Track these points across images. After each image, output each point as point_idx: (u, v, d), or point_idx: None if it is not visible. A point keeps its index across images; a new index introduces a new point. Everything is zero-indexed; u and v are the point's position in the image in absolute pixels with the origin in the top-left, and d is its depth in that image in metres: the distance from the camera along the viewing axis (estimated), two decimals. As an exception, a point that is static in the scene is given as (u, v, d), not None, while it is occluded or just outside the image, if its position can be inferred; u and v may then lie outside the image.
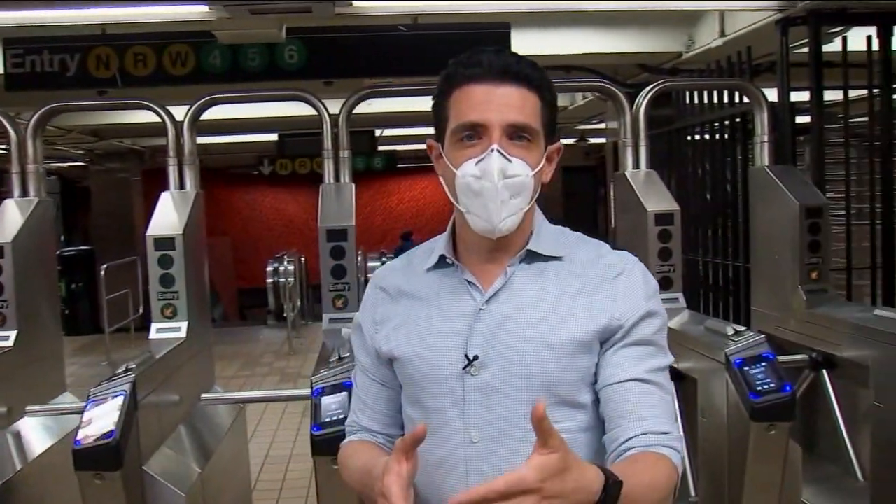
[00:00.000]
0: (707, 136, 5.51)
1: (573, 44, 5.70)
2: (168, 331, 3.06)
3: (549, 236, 1.40)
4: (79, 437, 2.24)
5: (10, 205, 3.23)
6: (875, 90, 4.33)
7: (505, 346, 1.31)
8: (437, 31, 4.91)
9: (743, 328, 2.69)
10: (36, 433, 2.99)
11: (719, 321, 2.98)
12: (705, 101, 5.42)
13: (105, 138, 11.08)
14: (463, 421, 1.31)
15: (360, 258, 3.57)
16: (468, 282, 1.37)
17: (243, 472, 3.76)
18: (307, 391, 2.48)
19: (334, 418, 2.28)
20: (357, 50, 4.99)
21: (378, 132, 11.43)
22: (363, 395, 1.48)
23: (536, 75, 1.31)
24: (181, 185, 3.34)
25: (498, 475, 1.28)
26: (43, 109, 3.33)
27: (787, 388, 2.43)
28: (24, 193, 3.27)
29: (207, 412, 3.30)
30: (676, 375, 1.33)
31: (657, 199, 3.35)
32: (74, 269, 11.77)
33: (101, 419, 2.27)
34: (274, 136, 11.02)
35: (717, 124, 5.33)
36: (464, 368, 1.31)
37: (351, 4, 3.96)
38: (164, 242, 3.09)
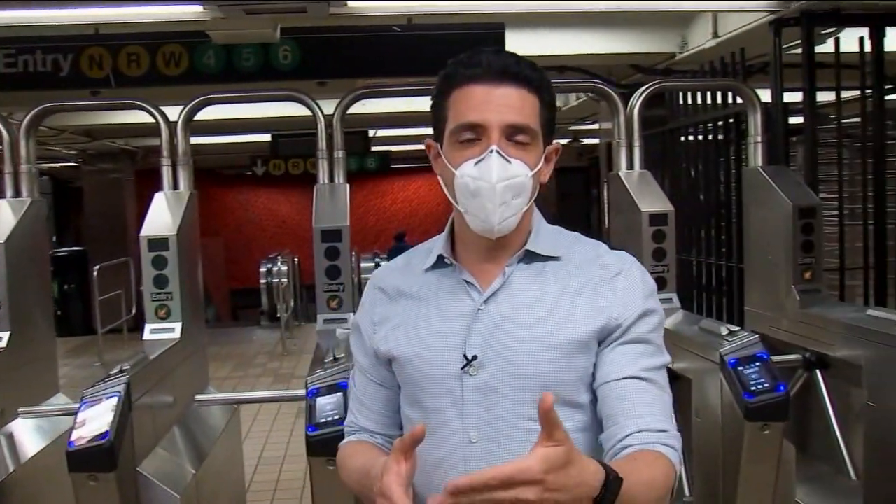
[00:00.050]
0: (700, 137, 5.52)
1: (567, 44, 5.71)
2: (162, 331, 3.05)
3: (548, 236, 1.40)
4: (72, 439, 2.23)
5: (3, 205, 3.21)
6: (867, 91, 4.35)
7: (503, 346, 1.31)
8: (431, 32, 4.92)
9: (737, 328, 2.69)
10: (29, 434, 2.97)
11: (713, 321, 2.99)
12: (699, 101, 5.44)
13: (98, 139, 11.05)
14: (461, 421, 1.31)
15: (353, 259, 3.56)
16: (466, 282, 1.37)
17: (237, 474, 3.75)
18: (302, 392, 2.48)
19: (329, 419, 2.27)
20: (351, 50, 5.00)
21: (371, 132, 11.42)
22: (362, 395, 1.48)
23: (535, 76, 1.32)
24: (175, 186, 3.33)
25: None
26: (36, 109, 3.31)
27: (782, 387, 2.44)
28: (17, 194, 3.26)
29: (201, 413, 3.29)
30: (671, 375, 1.34)
31: (651, 199, 3.35)
32: (67, 269, 11.74)
33: (96, 420, 2.26)
34: (267, 137, 11.00)
35: (710, 125, 5.35)
36: (462, 368, 1.31)
37: (346, 4, 3.96)
38: (158, 243, 3.07)
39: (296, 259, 11.70)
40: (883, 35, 4.25)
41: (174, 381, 2.95)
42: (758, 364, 2.48)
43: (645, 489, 1.14)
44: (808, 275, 3.43)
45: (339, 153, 3.35)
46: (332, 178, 3.35)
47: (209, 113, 3.62)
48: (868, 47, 4.28)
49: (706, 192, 5.51)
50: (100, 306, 9.00)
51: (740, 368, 2.49)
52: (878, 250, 4.39)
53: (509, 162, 1.29)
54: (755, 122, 3.59)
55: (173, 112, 3.36)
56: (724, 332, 2.65)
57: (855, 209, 4.61)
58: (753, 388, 2.43)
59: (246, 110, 8.32)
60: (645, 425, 1.25)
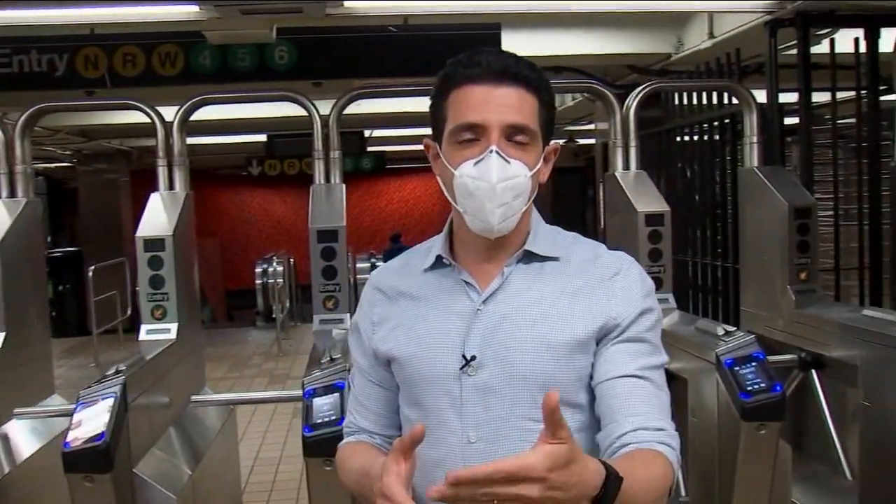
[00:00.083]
0: (696, 137, 5.53)
1: (563, 44, 5.72)
2: (158, 332, 3.05)
3: (546, 236, 1.40)
4: (68, 440, 2.23)
5: (-1, 205, 3.21)
6: (862, 91, 4.36)
7: (502, 346, 1.31)
8: (427, 32, 4.92)
9: (733, 328, 2.70)
10: (24, 436, 2.97)
11: (710, 321, 3.00)
12: (694, 102, 5.44)
13: (93, 139, 11.02)
14: (460, 421, 1.31)
15: (349, 259, 3.56)
16: (465, 282, 1.37)
17: (234, 474, 3.75)
18: (298, 392, 2.47)
19: (326, 419, 2.28)
20: (347, 50, 5.00)
21: (367, 133, 11.42)
22: (360, 396, 1.48)
23: (535, 76, 1.32)
24: (171, 186, 3.33)
25: None
26: (31, 110, 3.30)
27: (778, 387, 2.44)
28: (12, 194, 3.25)
29: (197, 414, 3.28)
30: (667, 376, 1.34)
31: (647, 199, 3.36)
32: (62, 270, 11.71)
33: (91, 421, 2.26)
34: (262, 137, 10.99)
35: (706, 125, 5.35)
36: (461, 369, 1.31)
37: (342, 5, 3.95)
38: (153, 244, 3.07)
39: (291, 259, 11.70)
40: (877, 36, 4.26)
41: (170, 382, 2.95)
42: (754, 364, 2.49)
43: (644, 488, 1.14)
44: (803, 275, 3.44)
45: (336, 153, 3.35)
46: (328, 179, 3.35)
47: (204, 113, 3.62)
48: (863, 48, 4.29)
49: (702, 192, 5.52)
50: (95, 307, 8.99)
51: (736, 368, 2.49)
52: (873, 250, 4.40)
53: (508, 162, 1.29)
54: (751, 123, 3.60)
55: (169, 112, 3.36)
56: (721, 332, 2.65)
57: (850, 209, 4.62)
58: (750, 388, 2.44)
59: (241, 111, 8.32)
60: (642, 423, 1.24)
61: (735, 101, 4.38)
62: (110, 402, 2.31)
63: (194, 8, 3.91)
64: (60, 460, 2.20)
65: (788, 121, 4.77)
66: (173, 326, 3.07)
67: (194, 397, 3.20)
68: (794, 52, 4.36)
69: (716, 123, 5.20)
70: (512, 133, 1.30)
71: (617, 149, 3.46)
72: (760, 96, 4.01)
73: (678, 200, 5.51)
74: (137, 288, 3.22)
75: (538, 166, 1.33)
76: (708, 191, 5.43)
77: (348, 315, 3.16)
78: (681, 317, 3.25)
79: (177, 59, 4.89)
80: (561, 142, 12.71)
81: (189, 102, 3.35)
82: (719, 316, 5.13)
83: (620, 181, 3.43)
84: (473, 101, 1.29)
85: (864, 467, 2.98)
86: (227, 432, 3.52)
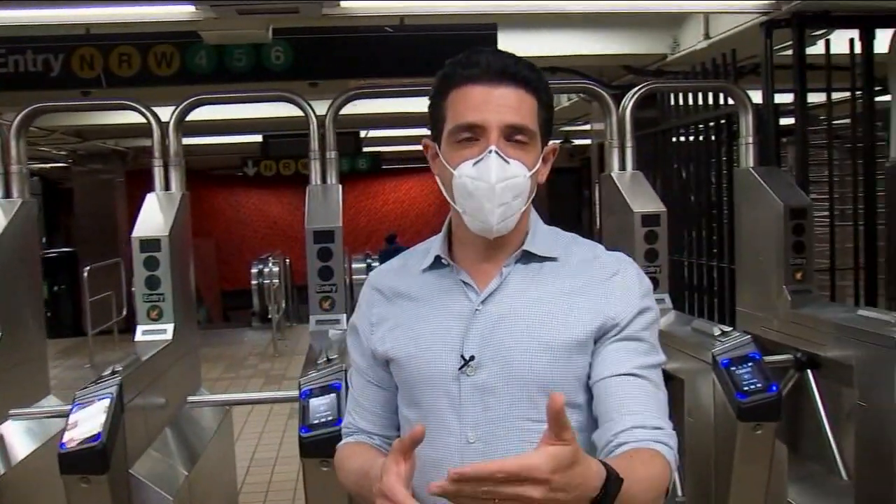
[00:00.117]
0: (692, 138, 5.54)
1: (559, 45, 5.73)
2: (154, 333, 3.04)
3: (544, 237, 1.40)
4: (64, 440, 2.22)
5: (-6, 206, 3.20)
6: (857, 92, 4.38)
7: (501, 346, 1.31)
8: (423, 33, 4.92)
9: (729, 329, 2.70)
10: (19, 437, 2.96)
11: (706, 322, 3.00)
12: (690, 102, 5.45)
13: (88, 139, 11.01)
14: (459, 421, 1.31)
15: (345, 260, 3.56)
16: (464, 282, 1.37)
17: (230, 475, 3.74)
18: (295, 393, 2.47)
19: (323, 420, 2.27)
20: (343, 51, 5.00)
21: (363, 133, 11.42)
22: (359, 396, 1.48)
23: (534, 76, 1.32)
24: (167, 187, 3.32)
25: None
26: (27, 110, 3.29)
27: (774, 387, 2.45)
28: (8, 194, 3.24)
29: (194, 415, 3.28)
30: (664, 376, 1.35)
31: (644, 200, 3.36)
32: (57, 270, 11.68)
33: (88, 422, 2.25)
34: (258, 138, 10.98)
35: (702, 126, 5.36)
36: (460, 369, 1.32)
37: (338, 5, 3.95)
38: (149, 244, 3.06)
39: (287, 260, 11.68)
40: (873, 37, 4.27)
41: (166, 383, 2.94)
42: (750, 364, 2.49)
43: (642, 489, 1.14)
44: (799, 275, 3.45)
45: (332, 154, 3.34)
46: (324, 179, 3.34)
47: (200, 113, 3.61)
48: (858, 49, 4.30)
49: (698, 192, 5.52)
50: (90, 307, 8.96)
51: (733, 369, 2.49)
52: (868, 251, 4.42)
53: (508, 162, 1.29)
54: (746, 123, 3.61)
55: (165, 112, 3.35)
56: (717, 332, 2.66)
57: (845, 210, 4.63)
58: (746, 389, 2.44)
59: (237, 111, 8.31)
60: (640, 422, 1.24)
61: (731, 101, 4.39)
62: (107, 402, 2.30)
63: (190, 8, 3.91)
64: (56, 461, 2.19)
65: (784, 121, 4.79)
66: (169, 327, 3.06)
67: (190, 398, 3.20)
68: (790, 52, 4.37)
69: (711, 124, 5.20)
70: (511, 133, 1.30)
71: (613, 149, 3.46)
72: (756, 97, 4.02)
73: (674, 201, 5.52)
74: (133, 289, 3.21)
75: (537, 166, 1.34)
76: (704, 191, 5.44)
77: (345, 316, 3.15)
78: (677, 317, 3.25)
79: (173, 60, 4.89)
80: (557, 142, 12.72)
81: (185, 103, 3.34)
82: (715, 316, 5.14)
83: (617, 182, 3.43)
84: (472, 102, 1.29)
85: (859, 467, 2.99)
86: (224, 433, 3.52)
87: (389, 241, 13.75)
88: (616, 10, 5.06)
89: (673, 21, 5.81)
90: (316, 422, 2.27)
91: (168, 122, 3.31)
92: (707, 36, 5.36)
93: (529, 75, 1.31)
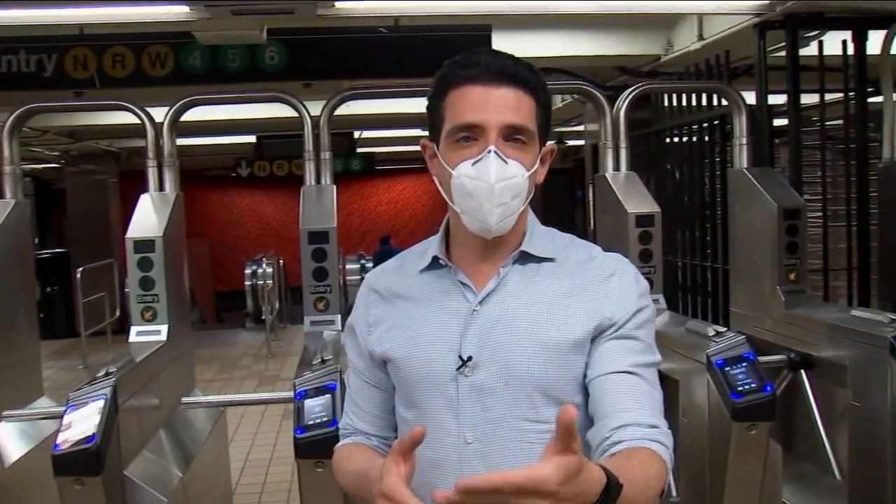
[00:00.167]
0: (686, 139, 5.55)
1: (553, 46, 5.74)
2: (148, 334, 3.03)
3: (542, 237, 1.41)
4: (58, 442, 2.21)
5: (-13, 207, 3.18)
6: (850, 93, 4.39)
7: (498, 346, 1.31)
8: (418, 33, 4.92)
9: (724, 329, 2.71)
10: (12, 438, 2.95)
11: (700, 322, 3.01)
12: (684, 103, 5.46)
13: (81, 140, 10.97)
14: (457, 422, 1.31)
15: (339, 260, 3.56)
16: (461, 283, 1.37)
17: (224, 476, 3.74)
18: (290, 394, 2.47)
19: (318, 421, 2.27)
20: (338, 51, 4.99)
21: (357, 134, 11.41)
22: (357, 397, 1.47)
23: (532, 77, 1.32)
24: (161, 188, 3.31)
25: None
26: (20, 110, 3.28)
27: (768, 388, 2.45)
28: (0, 195, 3.23)
29: (188, 416, 3.27)
30: (658, 376, 1.36)
31: (638, 200, 3.37)
32: (50, 271, 11.64)
33: (82, 423, 2.24)
34: (252, 138, 10.97)
35: (695, 127, 5.37)
36: (457, 369, 1.32)
37: (333, 5, 3.94)
38: (143, 245, 3.06)
39: (281, 261, 11.67)
40: (865, 38, 4.29)
41: (160, 384, 2.93)
42: (744, 364, 2.50)
43: (641, 491, 1.14)
44: (792, 276, 3.46)
45: (326, 154, 3.34)
46: (318, 180, 3.34)
47: (194, 114, 3.61)
48: (851, 50, 4.32)
49: (691, 193, 5.53)
50: (83, 308, 8.94)
51: (727, 369, 2.50)
52: (861, 251, 4.43)
53: (507, 162, 1.29)
54: (740, 124, 3.62)
55: (158, 113, 3.34)
56: (711, 332, 2.66)
57: (838, 210, 4.65)
58: (740, 389, 2.45)
59: (230, 111, 8.29)
60: (635, 419, 1.24)
61: (724, 102, 4.39)
62: (101, 403, 2.29)
63: (184, 8, 3.89)
64: (50, 463, 2.18)
65: (777, 122, 4.79)
66: (163, 328, 3.05)
67: (185, 399, 3.19)
68: (783, 54, 4.38)
69: (705, 125, 5.21)
70: (510, 133, 1.30)
71: (607, 150, 3.47)
72: (750, 98, 4.03)
73: (668, 202, 5.53)
74: (127, 289, 3.19)
75: (535, 167, 1.34)
76: (697, 192, 5.45)
77: (339, 316, 3.15)
78: (671, 318, 3.26)
79: (167, 60, 4.88)
80: (554, 143, 12.72)
81: (179, 103, 3.33)
82: (709, 317, 5.15)
83: (611, 182, 3.44)
84: (471, 102, 1.30)
85: (852, 467, 3.00)
86: (218, 434, 3.51)
87: (383, 242, 13.74)
88: (610, 12, 5.07)
89: (666, 22, 5.82)
90: (311, 423, 2.27)
91: (162, 123, 3.30)
92: (701, 37, 5.38)
93: (528, 76, 1.31)
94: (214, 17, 3.88)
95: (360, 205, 17.97)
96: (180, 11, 3.93)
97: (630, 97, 3.47)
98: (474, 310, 1.34)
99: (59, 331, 10.94)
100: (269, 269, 10.69)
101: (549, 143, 1.39)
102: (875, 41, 4.18)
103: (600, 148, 3.50)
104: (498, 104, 1.29)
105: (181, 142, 3.40)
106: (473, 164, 1.29)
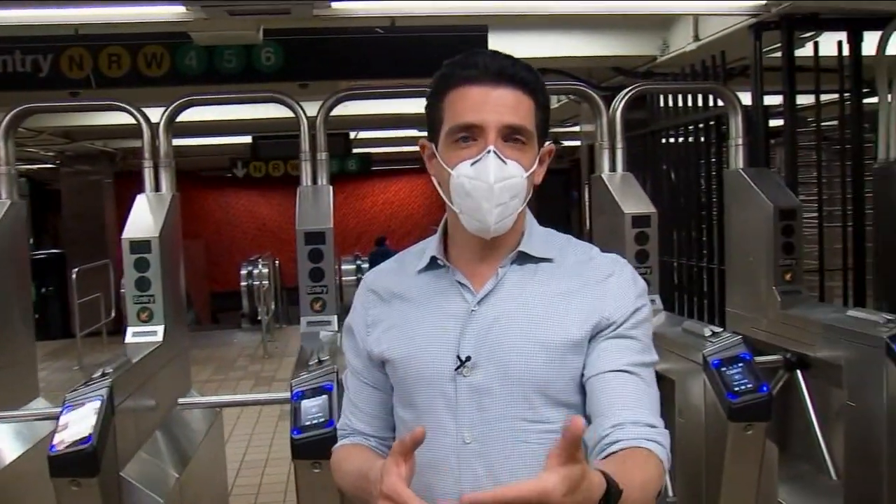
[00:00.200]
0: (682, 139, 5.55)
1: (549, 47, 5.74)
2: (144, 335, 3.03)
3: (540, 238, 1.41)
4: (54, 443, 2.21)
5: (-18, 207, 3.18)
6: (846, 94, 4.40)
7: (497, 347, 1.31)
8: (414, 34, 4.92)
9: (720, 329, 2.71)
10: (8, 440, 2.94)
11: (696, 322, 3.01)
12: (680, 104, 5.47)
13: (76, 140, 10.95)
14: (455, 422, 1.31)
15: (334, 261, 3.56)
16: (459, 283, 1.37)
17: (220, 477, 3.73)
18: (286, 395, 2.47)
19: (314, 422, 2.27)
20: (334, 52, 4.99)
21: (353, 134, 11.40)
22: (355, 398, 1.47)
23: (531, 78, 1.33)
24: (157, 188, 3.31)
25: (491, 475, 1.29)
26: (15, 110, 3.27)
27: (765, 388, 2.46)
28: (-4, 196, 3.22)
29: (184, 417, 3.27)
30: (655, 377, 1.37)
31: (634, 201, 3.37)
32: (45, 272, 11.62)
33: (78, 424, 2.24)
34: (247, 139, 10.96)
35: (691, 127, 5.38)
36: (456, 369, 1.32)
37: (329, 6, 3.93)
38: (140, 245, 3.05)
39: (276, 261, 11.66)
40: (860, 39, 4.30)
41: (157, 385, 2.93)
42: (741, 365, 2.50)
43: (640, 493, 1.14)
44: (788, 276, 3.46)
45: (322, 155, 3.34)
46: (314, 180, 3.34)
47: (189, 114, 3.60)
48: (846, 51, 4.33)
49: (688, 194, 5.54)
50: (79, 309, 8.92)
51: (723, 369, 2.50)
52: (856, 252, 4.44)
53: (505, 163, 1.29)
54: (736, 125, 3.62)
55: (154, 113, 3.34)
56: (707, 333, 2.67)
57: (834, 211, 4.66)
58: (737, 389, 2.45)
59: (226, 112, 8.29)
60: (632, 417, 1.24)
61: (720, 103, 4.41)
62: (97, 404, 2.29)
63: (181, 9, 3.88)
64: (45, 464, 2.18)
65: (773, 123, 4.81)
66: (159, 329, 3.05)
67: (181, 400, 3.18)
68: (779, 54, 4.39)
69: (701, 125, 5.22)
70: (509, 134, 1.30)
71: (603, 151, 3.47)
72: (745, 98, 4.04)
73: (664, 202, 5.54)
74: (123, 290, 3.19)
75: (534, 167, 1.34)
76: (693, 192, 5.46)
77: (335, 317, 3.15)
78: (667, 318, 3.27)
79: (163, 60, 4.87)
80: (552, 144, 12.72)
81: (175, 103, 3.33)
82: (705, 317, 5.16)
83: (607, 183, 3.44)
84: (471, 102, 1.30)
85: (848, 467, 3.00)
86: (214, 435, 3.51)
87: (379, 243, 13.75)
88: (606, 12, 5.07)
89: (662, 23, 5.83)
90: (307, 423, 2.27)
91: (158, 123, 3.30)
92: (696, 38, 5.38)
93: (527, 76, 1.32)
94: (211, 17, 3.88)
95: (355, 205, 17.97)
96: (177, 12, 3.92)
97: (626, 98, 3.48)
98: (472, 310, 1.34)
99: (54, 332, 10.92)
100: (265, 270, 10.68)
101: (548, 143, 1.39)
102: (870, 42, 4.20)
103: (596, 148, 3.51)
104: (497, 104, 1.29)
105: (176, 142, 3.39)
106: (472, 164, 1.29)
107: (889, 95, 3.96)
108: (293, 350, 2.97)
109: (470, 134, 1.30)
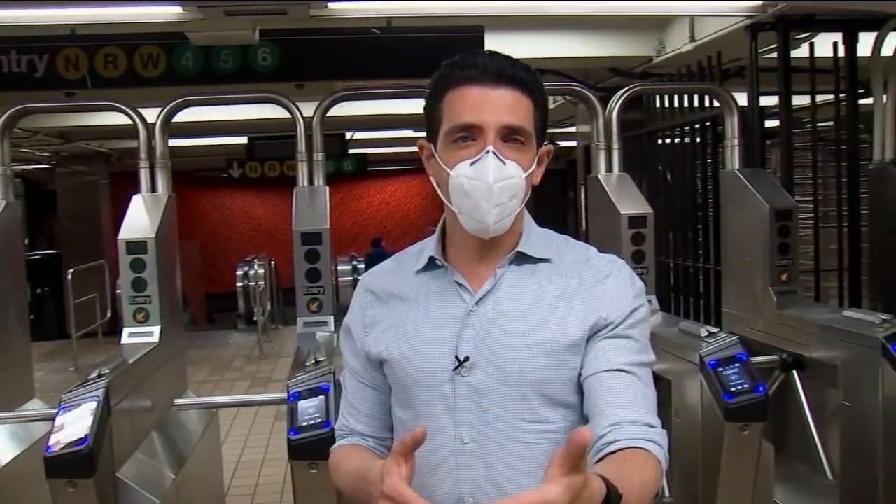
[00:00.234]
0: (678, 140, 5.56)
1: (545, 47, 5.74)
2: (140, 335, 3.02)
3: (538, 238, 1.41)
4: (50, 444, 2.20)
5: (-22, 208, 3.17)
6: (841, 95, 4.41)
7: (495, 347, 1.31)
8: (410, 34, 4.92)
9: (716, 330, 2.72)
10: (3, 441, 2.94)
11: (693, 323, 3.02)
12: (676, 105, 5.47)
13: (72, 141, 10.92)
14: (454, 422, 1.32)
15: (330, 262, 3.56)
16: (458, 283, 1.37)
17: (216, 478, 3.73)
18: (282, 395, 2.47)
19: (311, 423, 2.27)
20: (330, 52, 4.99)
21: (349, 135, 11.40)
22: (352, 398, 1.47)
23: (530, 78, 1.33)
24: (153, 188, 3.30)
25: (489, 476, 1.29)
26: (11, 111, 3.27)
27: (761, 388, 2.46)
28: (-8, 196, 3.22)
29: (180, 417, 3.26)
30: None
31: (630, 202, 3.37)
32: (40, 273, 11.58)
33: (74, 425, 2.24)
34: (243, 139, 10.95)
35: (687, 128, 5.38)
36: (454, 370, 1.32)
37: (326, 6, 3.93)
38: (136, 246, 3.05)
39: (272, 262, 11.64)
40: (856, 40, 4.31)
41: (153, 386, 2.92)
42: (737, 365, 2.51)
43: (638, 495, 1.14)
44: (784, 276, 3.47)
45: (319, 155, 3.34)
46: (311, 181, 3.33)
47: (185, 115, 3.60)
48: (842, 52, 4.34)
49: (684, 194, 5.55)
50: (74, 310, 8.90)
51: (720, 369, 2.51)
52: (852, 252, 4.45)
53: (504, 163, 1.30)
54: (732, 126, 3.63)
55: (150, 114, 3.33)
56: (704, 333, 2.67)
57: (829, 212, 4.67)
58: (733, 389, 2.46)
59: (222, 112, 8.27)
60: (630, 417, 1.24)
61: (716, 103, 4.41)
62: (93, 405, 2.28)
63: (177, 9, 3.88)
64: (41, 465, 2.17)
65: (769, 124, 4.82)
66: (156, 329, 3.04)
67: (177, 401, 3.18)
68: (775, 55, 4.40)
69: (697, 126, 5.23)
70: (508, 134, 1.30)
71: (600, 151, 3.47)
72: (741, 99, 4.05)
73: (660, 203, 5.54)
74: (118, 291, 3.18)
75: (532, 167, 1.34)
76: (689, 193, 5.46)
77: (332, 318, 3.15)
78: (664, 318, 3.27)
79: (159, 61, 4.86)
80: (550, 145, 12.73)
81: (172, 104, 3.32)
82: (701, 317, 5.16)
83: (603, 183, 3.45)
84: (470, 102, 1.30)
85: (844, 467, 3.01)
86: (210, 436, 3.50)
87: (375, 244, 13.74)
88: (602, 13, 5.08)
89: (658, 24, 5.84)
90: (304, 424, 2.27)
91: (154, 124, 3.29)
92: (693, 38, 5.39)
93: (526, 77, 1.32)
94: (207, 17, 3.87)
95: (351, 206, 17.96)
96: (173, 12, 3.91)
97: (622, 98, 3.48)
98: (471, 310, 1.34)
99: (49, 332, 10.89)
100: (261, 271, 10.67)
101: (546, 144, 1.40)
102: (866, 43, 4.20)
103: (593, 149, 3.51)
104: (496, 105, 1.29)
105: (172, 142, 3.39)
106: (472, 164, 1.30)
107: (884, 96, 3.97)
108: (289, 351, 2.97)
109: (469, 134, 1.31)
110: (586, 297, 1.34)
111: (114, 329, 8.45)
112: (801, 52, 4.46)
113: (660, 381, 2.80)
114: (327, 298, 3.14)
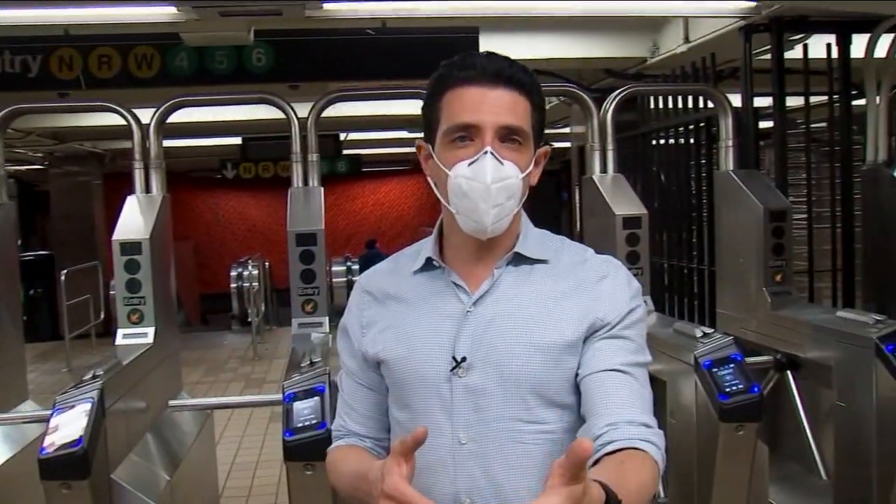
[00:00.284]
0: (672, 141, 5.57)
1: (540, 48, 5.75)
2: (135, 336, 3.01)
3: (535, 239, 1.41)
4: (44, 445, 2.19)
5: (-29, 209, 3.16)
6: (835, 96, 4.43)
7: (492, 347, 1.32)
8: (405, 35, 4.92)
9: (711, 330, 2.73)
10: (-3, 442, 2.92)
11: (688, 324, 3.02)
12: (670, 105, 5.48)
13: (65, 141, 10.89)
14: (451, 423, 1.32)
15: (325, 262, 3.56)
16: (455, 284, 1.38)
17: (211, 479, 3.72)
18: (278, 396, 2.46)
19: (307, 423, 2.26)
20: (325, 53, 4.99)
21: (343, 136, 11.39)
22: (350, 399, 1.47)
23: (528, 79, 1.33)
24: (147, 189, 3.29)
25: (487, 476, 1.29)
26: (4, 111, 3.25)
27: (756, 388, 2.47)
28: (-15, 197, 3.20)
29: (174, 419, 3.25)
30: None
31: (625, 202, 3.38)
32: (34, 274, 11.55)
33: (68, 426, 2.23)
34: (237, 140, 10.93)
35: (681, 129, 5.39)
36: (451, 370, 1.32)
37: (321, 7, 3.93)
38: (130, 247, 3.04)
39: (266, 263, 11.63)
40: (849, 42, 4.32)
41: (147, 387, 2.92)
42: (732, 365, 2.51)
43: (636, 497, 1.14)
44: (778, 277, 3.48)
45: (313, 156, 3.33)
46: (305, 182, 3.33)
47: (179, 115, 3.59)
48: (835, 54, 4.35)
49: (678, 195, 5.56)
50: (67, 311, 8.87)
51: (715, 370, 2.51)
52: (845, 253, 4.46)
53: (502, 163, 1.30)
54: (726, 127, 3.64)
55: (144, 114, 3.32)
56: (699, 334, 2.68)
57: (823, 213, 4.68)
58: (728, 390, 2.46)
59: (216, 113, 8.26)
60: (626, 417, 1.24)
61: (710, 104, 4.42)
62: (88, 406, 2.27)
63: (171, 9, 3.87)
64: (35, 467, 2.16)
65: (763, 125, 4.83)
66: (150, 330, 3.03)
67: (172, 402, 3.17)
68: (769, 56, 4.41)
69: (691, 127, 5.24)
70: (506, 134, 1.31)
71: (594, 152, 3.48)
72: (735, 100, 4.05)
73: (655, 204, 5.55)
74: (112, 292, 3.17)
75: (530, 168, 1.35)
76: (684, 194, 5.47)
77: (327, 319, 3.15)
78: (659, 319, 3.27)
79: (153, 61, 4.85)
80: (548, 146, 12.74)
81: (166, 104, 3.31)
82: (695, 318, 5.17)
83: (598, 184, 3.45)
84: (468, 103, 1.30)
85: (838, 467, 3.02)
86: (205, 437, 3.49)
87: (369, 246, 13.75)
88: (596, 14, 5.08)
89: (653, 25, 5.84)
90: (300, 425, 2.26)
91: (148, 125, 3.28)
92: (687, 40, 5.40)
93: (524, 78, 1.32)
94: (202, 18, 3.86)
95: (345, 207, 17.95)
96: (167, 12, 3.90)
97: (617, 99, 3.49)
98: (468, 311, 1.34)
99: (43, 333, 10.86)
100: (255, 272, 10.66)
101: (543, 146, 1.40)
102: (859, 45, 4.22)
103: (587, 150, 3.51)
104: (494, 105, 1.30)
105: (166, 143, 3.38)
106: (470, 164, 1.30)
107: (877, 98, 3.98)
108: (283, 352, 2.97)
109: (467, 134, 1.31)
110: (583, 298, 1.34)
111: (107, 330, 8.44)
112: (795, 53, 4.47)
113: (654, 382, 2.79)
114: (322, 299, 3.14)
